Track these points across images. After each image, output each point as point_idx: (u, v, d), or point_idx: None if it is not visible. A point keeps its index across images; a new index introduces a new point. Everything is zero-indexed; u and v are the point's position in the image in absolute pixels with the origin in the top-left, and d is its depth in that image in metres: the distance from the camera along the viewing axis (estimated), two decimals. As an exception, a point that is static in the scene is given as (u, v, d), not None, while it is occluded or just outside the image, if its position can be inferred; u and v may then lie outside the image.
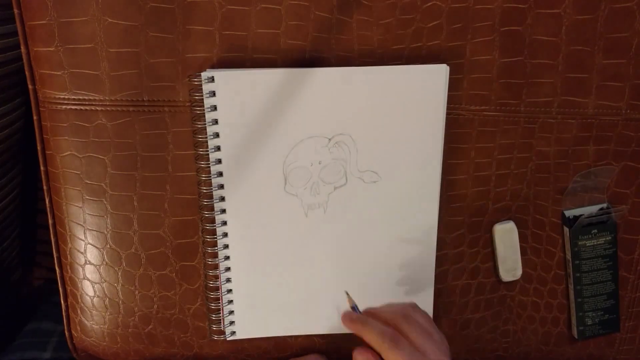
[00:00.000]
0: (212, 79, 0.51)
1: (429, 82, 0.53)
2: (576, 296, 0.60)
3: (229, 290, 0.56)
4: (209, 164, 0.53)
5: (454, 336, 0.61)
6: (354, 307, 0.52)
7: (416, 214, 0.56)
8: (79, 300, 0.57)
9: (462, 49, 0.54)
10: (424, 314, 0.51)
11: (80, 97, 0.51)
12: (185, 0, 0.50)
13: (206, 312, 0.57)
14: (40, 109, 0.52)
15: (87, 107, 0.52)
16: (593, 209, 0.60)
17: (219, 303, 0.56)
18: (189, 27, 0.51)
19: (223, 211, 0.54)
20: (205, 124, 0.52)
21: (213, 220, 0.54)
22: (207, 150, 0.52)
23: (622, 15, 0.54)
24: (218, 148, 0.52)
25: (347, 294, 0.53)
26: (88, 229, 0.55)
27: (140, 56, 0.51)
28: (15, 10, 0.50)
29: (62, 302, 0.57)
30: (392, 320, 0.49)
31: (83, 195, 0.54)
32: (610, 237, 0.60)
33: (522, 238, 0.59)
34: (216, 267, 0.55)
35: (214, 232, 0.54)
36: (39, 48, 0.50)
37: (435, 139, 0.54)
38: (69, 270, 0.56)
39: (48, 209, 0.55)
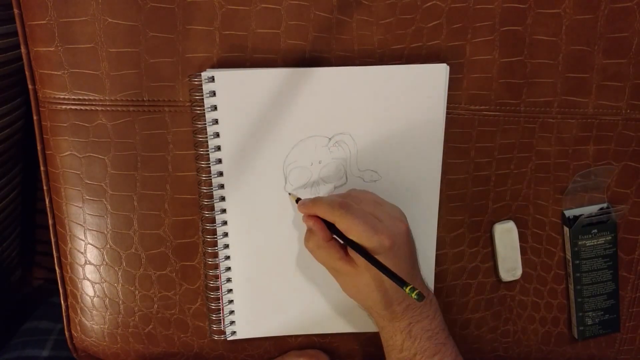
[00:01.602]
0: (212, 79, 0.51)
1: (429, 82, 0.53)
2: (576, 296, 0.60)
3: (229, 290, 0.56)
4: (209, 163, 0.53)
5: (454, 336, 0.61)
6: (298, 199, 0.53)
7: (416, 213, 0.55)
8: (79, 300, 0.57)
9: (462, 49, 0.54)
10: (371, 192, 0.52)
11: (80, 97, 0.51)
12: (185, 0, 0.50)
13: (206, 312, 0.57)
14: (40, 109, 0.52)
15: (87, 107, 0.52)
16: (593, 208, 0.60)
17: (219, 303, 0.56)
18: (189, 27, 0.51)
19: (223, 211, 0.54)
20: (205, 124, 0.52)
21: (213, 220, 0.54)
22: (208, 150, 0.52)
23: (622, 15, 0.54)
24: (218, 148, 0.52)
25: (290, 193, 0.54)
26: (88, 229, 0.54)
27: (140, 56, 0.51)
28: (15, 10, 0.50)
29: (62, 302, 0.57)
30: (340, 197, 0.51)
31: (83, 195, 0.54)
32: (610, 237, 0.60)
33: (522, 238, 0.59)
34: (216, 267, 0.55)
35: (214, 232, 0.54)
36: (39, 48, 0.50)
37: (435, 138, 0.54)
38: (69, 270, 0.56)
39: (48, 209, 0.55)
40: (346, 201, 0.49)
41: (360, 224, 0.47)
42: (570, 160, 0.58)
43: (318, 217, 0.50)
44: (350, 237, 0.48)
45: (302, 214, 0.52)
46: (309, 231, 0.52)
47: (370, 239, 0.47)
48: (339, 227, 0.48)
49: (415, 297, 0.44)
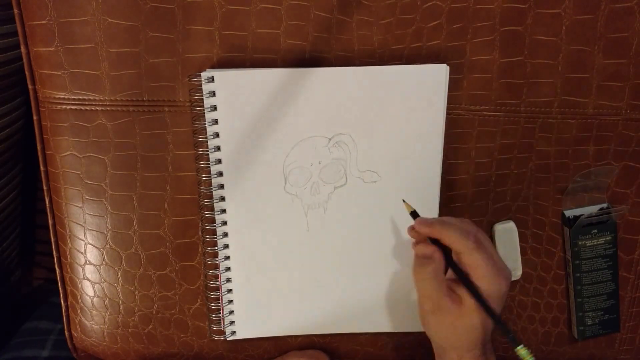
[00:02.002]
0: (212, 79, 0.51)
1: (429, 82, 0.53)
2: (576, 296, 0.60)
3: (229, 290, 0.56)
4: (209, 164, 0.53)
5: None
6: (414, 212, 0.51)
7: (416, 214, 0.56)
8: (79, 300, 0.57)
9: (462, 49, 0.54)
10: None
11: (80, 97, 0.51)
12: (185, 0, 0.50)
13: (206, 312, 0.57)
14: (40, 109, 0.52)
15: (87, 107, 0.52)
16: (593, 209, 0.60)
17: (219, 303, 0.56)
18: (189, 27, 0.51)
19: (223, 211, 0.54)
20: (205, 124, 0.52)
21: (213, 220, 0.54)
22: (207, 150, 0.52)
23: (622, 15, 0.54)
24: (218, 148, 0.52)
25: (404, 201, 0.52)
26: (88, 229, 0.55)
27: (140, 56, 0.51)
28: (15, 10, 0.50)
29: (62, 302, 0.57)
30: (469, 227, 0.48)
31: (83, 195, 0.54)
32: (610, 237, 0.60)
33: (522, 238, 0.59)
34: (216, 267, 0.55)
35: (214, 232, 0.54)
36: (39, 48, 0.50)
37: (435, 139, 0.54)
38: (69, 270, 0.56)
39: (48, 209, 0.55)
40: (479, 236, 0.46)
41: (489, 264, 0.45)
42: (570, 160, 0.58)
43: (437, 245, 0.48)
44: (473, 273, 0.46)
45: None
46: (423, 259, 0.48)
47: (493, 281, 0.45)
48: (465, 260, 0.46)
49: (524, 355, 0.43)
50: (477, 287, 0.46)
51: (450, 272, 0.49)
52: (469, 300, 0.46)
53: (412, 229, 0.50)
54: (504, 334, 0.45)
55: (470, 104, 0.55)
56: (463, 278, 0.46)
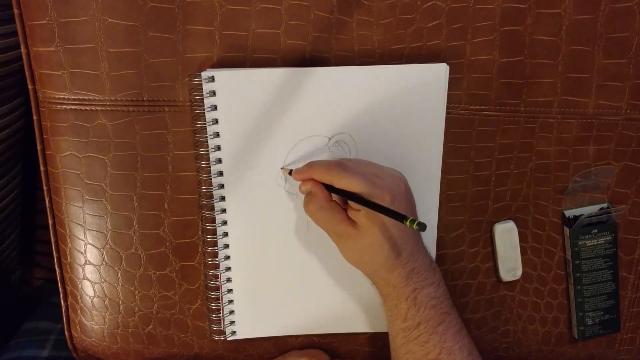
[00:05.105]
0: (212, 79, 0.51)
1: (429, 82, 0.53)
2: (576, 296, 0.60)
3: (229, 290, 0.56)
4: (209, 163, 0.53)
5: (454, 336, 0.61)
6: (291, 171, 0.53)
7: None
8: (79, 300, 0.57)
9: (462, 49, 0.54)
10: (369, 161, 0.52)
11: (80, 97, 0.51)
12: (185, 0, 0.50)
13: (206, 312, 0.57)
14: (40, 109, 0.52)
15: (87, 107, 0.52)
16: (593, 208, 0.60)
17: (219, 303, 0.56)
18: (189, 27, 0.51)
19: (223, 211, 0.54)
20: (205, 124, 0.52)
21: (213, 220, 0.54)
22: (207, 150, 0.52)
23: (622, 15, 0.54)
24: (218, 148, 0.52)
25: (282, 168, 0.53)
26: (88, 229, 0.54)
27: (140, 56, 0.51)
28: (15, 10, 0.50)
29: (62, 302, 0.57)
30: (331, 162, 0.50)
31: (83, 195, 0.54)
32: (610, 237, 0.60)
33: (522, 238, 0.59)
34: (216, 267, 0.55)
35: (214, 232, 0.54)
36: (39, 48, 0.50)
37: (435, 138, 0.54)
38: (69, 271, 0.56)
39: (48, 209, 0.55)
40: (342, 161, 0.49)
41: (360, 179, 0.46)
42: (570, 160, 0.58)
43: (314, 180, 0.50)
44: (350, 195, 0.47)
45: (298, 185, 0.52)
46: (308, 196, 0.51)
47: (370, 194, 0.46)
48: (337, 186, 0.48)
49: (416, 227, 0.42)
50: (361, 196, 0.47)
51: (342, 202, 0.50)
52: (361, 220, 0.48)
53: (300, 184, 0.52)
54: (393, 217, 0.44)
55: (470, 104, 0.55)
56: (345, 194, 0.48)
